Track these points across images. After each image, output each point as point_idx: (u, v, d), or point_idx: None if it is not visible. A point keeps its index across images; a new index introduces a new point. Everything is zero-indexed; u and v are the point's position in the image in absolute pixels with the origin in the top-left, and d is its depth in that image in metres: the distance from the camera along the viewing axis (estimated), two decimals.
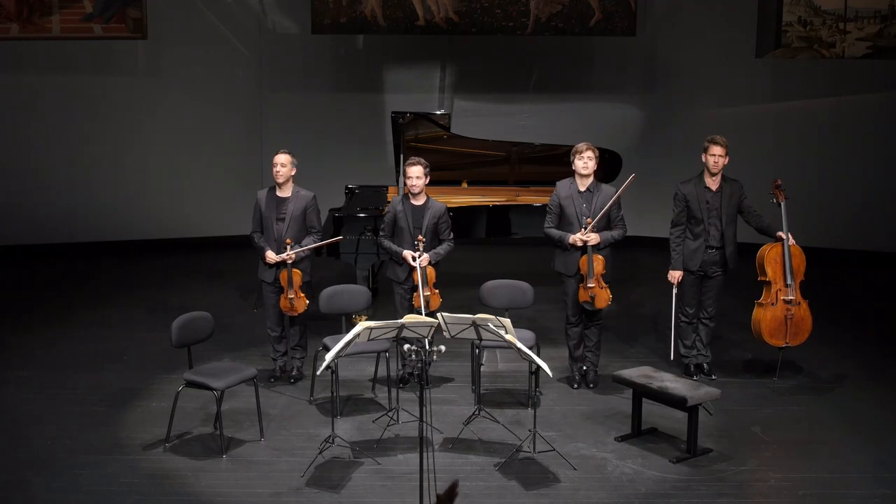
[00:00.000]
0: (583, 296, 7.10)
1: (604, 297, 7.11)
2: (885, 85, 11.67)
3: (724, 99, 12.17)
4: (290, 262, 7.16)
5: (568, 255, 7.15)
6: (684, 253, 7.42)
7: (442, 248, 7.27)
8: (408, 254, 7.09)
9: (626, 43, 12.10)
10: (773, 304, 7.29)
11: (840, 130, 11.86)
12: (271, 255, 7.23)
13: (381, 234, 7.38)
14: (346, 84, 12.51)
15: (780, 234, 7.32)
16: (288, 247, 7.15)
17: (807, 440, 6.55)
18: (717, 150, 7.32)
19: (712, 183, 7.37)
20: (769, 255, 7.30)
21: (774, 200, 7.43)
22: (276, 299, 7.33)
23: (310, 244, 7.31)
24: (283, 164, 7.29)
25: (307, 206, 7.34)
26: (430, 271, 7.13)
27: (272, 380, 7.48)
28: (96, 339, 8.60)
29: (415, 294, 7.09)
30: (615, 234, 7.16)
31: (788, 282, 7.26)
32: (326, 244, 7.37)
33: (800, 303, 7.32)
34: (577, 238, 7.04)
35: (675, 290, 7.46)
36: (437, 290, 7.16)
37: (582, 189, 7.15)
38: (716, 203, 7.35)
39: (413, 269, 7.05)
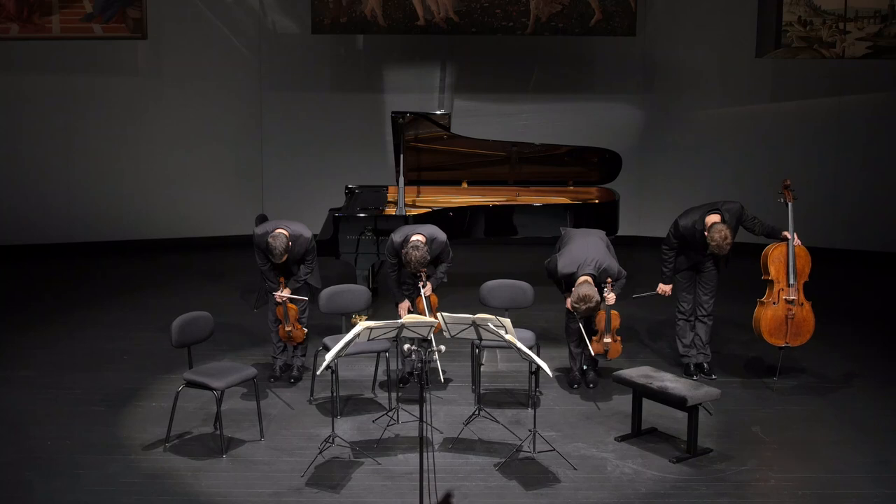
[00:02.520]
0: (597, 349, 7.15)
1: (617, 349, 7.21)
2: (885, 85, 11.66)
3: (724, 99, 12.17)
4: (284, 301, 7.21)
5: None
6: (677, 261, 7.51)
7: (441, 272, 7.36)
8: (403, 309, 7.23)
9: (626, 43, 12.09)
10: (774, 303, 7.29)
11: (840, 130, 11.85)
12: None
13: (390, 270, 7.37)
14: (346, 84, 12.50)
15: (785, 233, 7.32)
16: (280, 285, 7.20)
17: (807, 440, 6.55)
18: (713, 246, 7.12)
19: None
20: (773, 254, 7.30)
21: (782, 200, 7.42)
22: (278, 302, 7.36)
23: (302, 277, 7.32)
24: (282, 251, 7.05)
25: (307, 249, 7.32)
26: (434, 299, 7.22)
27: (272, 380, 7.48)
28: (96, 339, 8.60)
29: None
30: (622, 283, 7.18)
31: (791, 281, 7.26)
32: (294, 299, 7.33)
33: (802, 304, 7.31)
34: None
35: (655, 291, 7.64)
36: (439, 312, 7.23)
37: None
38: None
39: (417, 295, 7.16)
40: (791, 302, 7.27)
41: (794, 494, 5.77)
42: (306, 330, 7.37)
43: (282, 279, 7.24)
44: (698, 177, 12.16)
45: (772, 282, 7.32)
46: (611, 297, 7.04)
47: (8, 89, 11.78)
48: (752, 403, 7.12)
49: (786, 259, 7.28)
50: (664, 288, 7.60)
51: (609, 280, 7.03)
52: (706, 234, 7.12)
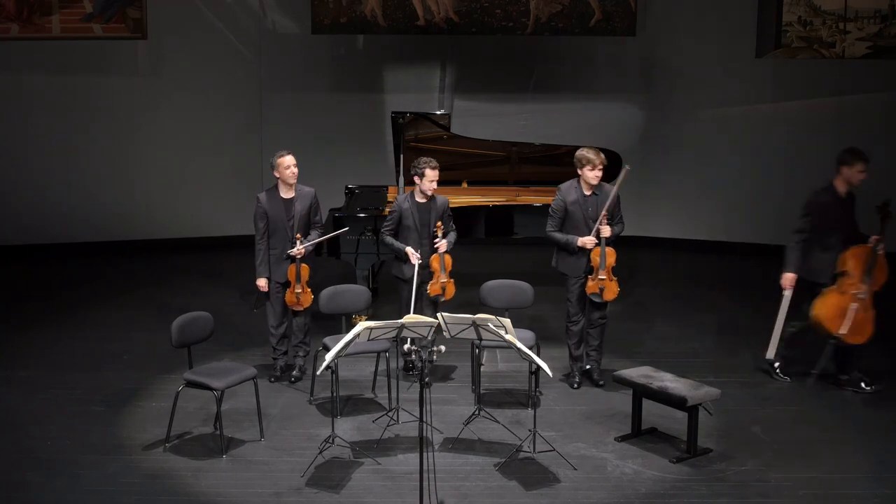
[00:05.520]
0: (592, 287, 7.11)
1: (613, 290, 7.13)
2: (886, 85, 11.66)
3: (724, 99, 12.17)
4: (299, 256, 7.24)
5: (576, 257, 7.15)
6: (814, 265, 7.32)
7: (451, 237, 7.41)
8: (411, 251, 7.20)
9: (625, 43, 12.10)
10: (842, 292, 7.23)
11: (840, 130, 11.83)
12: (262, 283, 7.40)
13: (384, 231, 7.42)
14: (346, 84, 12.50)
15: (875, 237, 7.23)
16: (297, 241, 7.23)
17: (807, 440, 6.55)
18: (861, 166, 7.34)
19: (843, 190, 7.38)
20: (855, 250, 7.23)
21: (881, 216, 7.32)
22: (280, 298, 7.37)
23: (315, 237, 7.43)
24: (295, 164, 7.42)
25: (311, 203, 7.45)
26: (448, 259, 7.26)
27: (272, 379, 7.49)
28: (96, 339, 8.60)
29: (431, 283, 7.24)
30: (617, 229, 7.19)
31: (865, 279, 7.21)
32: (333, 236, 7.64)
33: (868, 308, 7.25)
34: (586, 241, 7.03)
35: (785, 293, 7.37)
36: (452, 279, 7.25)
37: (588, 193, 7.16)
38: (847, 210, 7.35)
39: (419, 265, 7.17)
40: (858, 297, 7.22)
41: (795, 494, 5.77)
42: (313, 297, 7.36)
43: (298, 235, 7.28)
44: (698, 177, 12.17)
45: (846, 273, 7.23)
46: (605, 230, 7.01)
47: (8, 89, 11.78)
48: (752, 403, 7.12)
49: (867, 258, 7.23)
50: (787, 277, 7.33)
51: (605, 213, 7.00)
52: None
